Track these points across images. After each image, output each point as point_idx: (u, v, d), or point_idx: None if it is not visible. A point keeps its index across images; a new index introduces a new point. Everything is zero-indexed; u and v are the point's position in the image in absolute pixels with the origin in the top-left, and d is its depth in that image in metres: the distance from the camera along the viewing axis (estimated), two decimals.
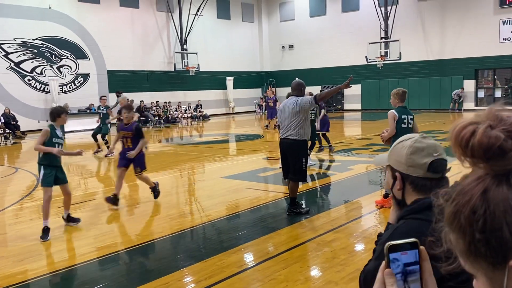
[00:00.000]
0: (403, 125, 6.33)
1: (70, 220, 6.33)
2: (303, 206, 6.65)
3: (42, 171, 5.93)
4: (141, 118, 24.79)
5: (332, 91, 6.39)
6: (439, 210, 0.83)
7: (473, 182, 0.76)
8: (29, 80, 22.19)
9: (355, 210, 6.88)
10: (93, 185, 9.53)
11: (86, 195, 8.44)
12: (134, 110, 16.61)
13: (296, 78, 7.01)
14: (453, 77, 26.38)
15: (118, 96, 23.76)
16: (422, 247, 0.92)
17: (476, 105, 26.15)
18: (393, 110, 6.44)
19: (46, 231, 5.80)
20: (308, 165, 7.75)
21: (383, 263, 0.92)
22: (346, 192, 8.00)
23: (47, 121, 16.66)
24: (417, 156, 1.62)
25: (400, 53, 25.05)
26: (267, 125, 19.73)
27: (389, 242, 0.91)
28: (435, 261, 0.86)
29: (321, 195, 8.00)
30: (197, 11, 28.36)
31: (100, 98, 16.41)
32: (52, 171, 5.94)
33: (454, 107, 26.03)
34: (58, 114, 6.05)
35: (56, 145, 5.97)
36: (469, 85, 26.20)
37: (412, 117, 6.47)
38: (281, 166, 6.80)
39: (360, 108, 29.20)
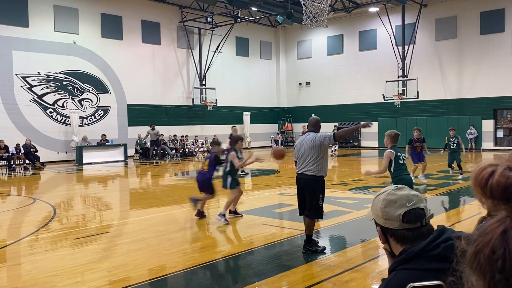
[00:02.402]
0: (400, 161, 7.15)
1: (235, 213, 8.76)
2: (319, 244, 6.55)
3: (229, 179, 8.39)
4: (159, 151, 25.03)
5: (350, 131, 6.42)
6: (461, 253, 0.84)
7: (494, 223, 0.77)
8: (50, 112, 22.71)
9: (372, 249, 6.73)
10: (108, 217, 9.54)
11: (100, 227, 8.45)
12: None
13: (313, 115, 7.05)
14: (471, 117, 26.20)
15: (152, 130, 24.42)
16: None
17: (495, 145, 25.82)
18: (390, 149, 7.20)
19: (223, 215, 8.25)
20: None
21: None
22: (363, 230, 7.86)
23: (63, 151, 17.34)
24: (390, 208, 1.65)
25: (418, 92, 25.08)
26: None
27: (411, 284, 0.90)
28: None
29: (337, 233, 7.86)
30: (217, 48, 29.00)
31: (232, 128, 17.42)
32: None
33: (472, 147, 25.73)
34: (235, 140, 8.78)
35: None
36: (488, 124, 25.96)
37: (404, 154, 7.38)
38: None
39: (377, 146, 29.07)
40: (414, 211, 1.62)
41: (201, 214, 8.73)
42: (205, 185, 8.73)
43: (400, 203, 1.64)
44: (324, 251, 6.38)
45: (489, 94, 25.58)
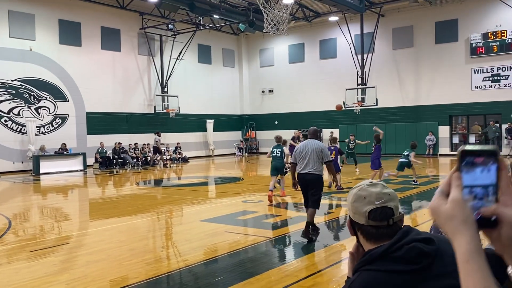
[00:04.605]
0: (273, 154, 11.95)
1: None
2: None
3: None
4: (119, 160, 24.53)
5: (333, 173, 8.85)
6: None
7: None
8: (5, 121, 21.88)
9: (335, 254, 6.81)
10: (67, 228, 9.26)
11: (59, 238, 8.19)
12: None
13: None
14: (428, 123, 27.04)
15: (159, 136, 24.48)
16: (501, 157, 0.83)
17: (451, 150, 26.72)
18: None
19: None
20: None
21: (454, 168, 0.86)
22: (325, 236, 7.95)
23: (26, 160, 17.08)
24: (358, 204, 1.66)
25: (377, 99, 25.67)
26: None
27: (462, 147, 0.84)
28: None
29: (300, 239, 7.91)
30: (179, 55, 28.79)
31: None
32: None
33: (429, 152, 26.52)
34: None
35: None
36: (444, 131, 26.86)
37: (280, 149, 11.97)
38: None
39: None
40: (381, 210, 1.62)
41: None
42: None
43: (368, 199, 1.64)
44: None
45: (445, 101, 26.50)
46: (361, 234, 1.66)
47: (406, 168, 14.04)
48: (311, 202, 7.50)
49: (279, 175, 12.08)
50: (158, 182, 18.47)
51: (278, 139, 12.14)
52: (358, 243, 1.71)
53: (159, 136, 25.53)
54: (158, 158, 26.00)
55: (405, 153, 14.22)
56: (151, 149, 26.00)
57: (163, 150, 26.35)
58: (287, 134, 24.30)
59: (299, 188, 7.80)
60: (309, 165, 7.45)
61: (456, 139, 27.14)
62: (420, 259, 1.49)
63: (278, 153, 11.89)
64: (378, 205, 1.63)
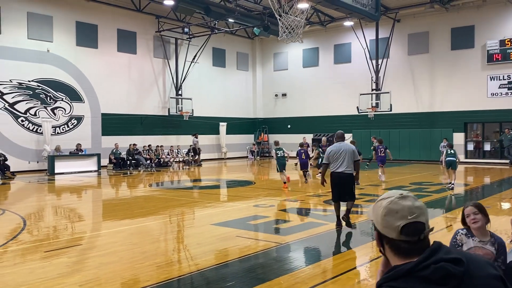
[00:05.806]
0: (278, 155, 15.09)
1: None
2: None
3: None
4: (133, 161, 24.72)
5: (358, 171, 8.85)
6: None
7: None
8: (22, 121, 22.22)
9: (346, 262, 6.78)
10: (80, 229, 9.36)
11: (72, 239, 8.28)
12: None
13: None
14: (443, 130, 26.79)
15: (197, 138, 25.46)
16: None
17: (466, 157, 26.43)
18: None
19: None
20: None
21: None
22: (337, 242, 7.92)
23: (31, 162, 16.96)
24: (390, 218, 1.61)
25: (391, 105, 25.53)
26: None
27: None
28: None
29: (312, 245, 7.90)
30: (193, 58, 28.97)
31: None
32: None
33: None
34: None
35: None
36: (458, 137, 26.58)
37: (282, 151, 15.11)
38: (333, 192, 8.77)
39: None
40: (414, 225, 1.58)
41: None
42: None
43: (401, 214, 1.59)
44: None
45: (460, 108, 26.24)
46: (390, 248, 1.62)
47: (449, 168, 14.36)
48: (349, 196, 8.60)
49: (283, 170, 15.01)
50: (170, 184, 18.57)
51: (277, 142, 15.81)
52: (384, 256, 1.67)
53: (197, 137, 26.80)
54: (172, 160, 26.14)
55: (452, 151, 14.74)
56: (191, 150, 27.19)
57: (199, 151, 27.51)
58: (300, 138, 24.29)
59: (325, 185, 8.94)
60: (344, 165, 8.47)
61: (470, 146, 26.84)
62: (446, 280, 1.46)
63: (282, 153, 15.11)
64: (411, 220, 1.58)
